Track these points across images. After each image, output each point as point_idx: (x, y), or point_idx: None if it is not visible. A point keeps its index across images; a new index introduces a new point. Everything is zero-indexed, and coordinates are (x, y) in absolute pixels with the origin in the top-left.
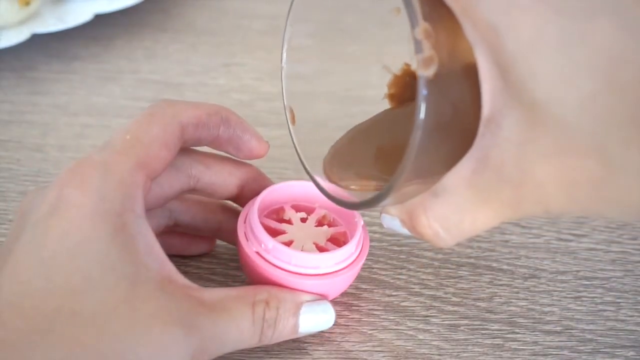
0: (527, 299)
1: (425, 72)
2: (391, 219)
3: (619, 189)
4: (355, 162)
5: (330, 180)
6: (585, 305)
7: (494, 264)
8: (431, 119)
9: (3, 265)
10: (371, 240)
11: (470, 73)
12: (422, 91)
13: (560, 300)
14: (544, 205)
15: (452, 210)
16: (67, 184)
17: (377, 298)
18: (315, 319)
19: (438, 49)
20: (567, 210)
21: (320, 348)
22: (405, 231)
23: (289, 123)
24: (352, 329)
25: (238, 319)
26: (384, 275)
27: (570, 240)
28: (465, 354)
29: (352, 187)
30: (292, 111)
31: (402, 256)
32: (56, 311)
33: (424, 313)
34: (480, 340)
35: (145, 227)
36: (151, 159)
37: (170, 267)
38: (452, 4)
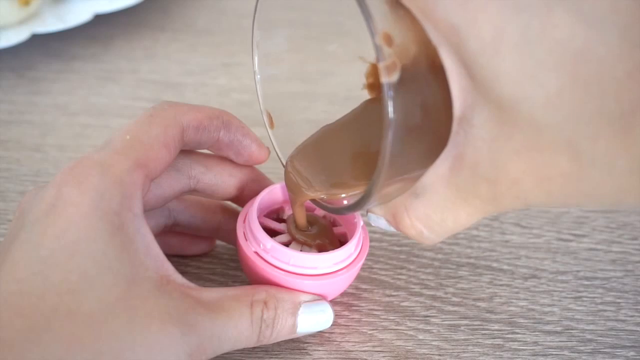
0: (528, 299)
1: (388, 79)
2: (377, 219)
3: (591, 183)
4: (327, 167)
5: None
6: (585, 306)
7: (494, 264)
8: (401, 120)
9: (1, 264)
10: (371, 240)
11: (439, 72)
12: (388, 93)
13: (560, 301)
14: (523, 200)
15: (434, 210)
16: (65, 183)
17: (377, 298)
18: (314, 319)
19: (402, 52)
20: (547, 204)
21: (320, 348)
22: (392, 229)
23: (268, 127)
24: (352, 329)
25: (236, 318)
26: (384, 275)
27: (571, 241)
28: (465, 354)
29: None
30: (269, 115)
31: (402, 256)
32: (53, 310)
33: (424, 313)
34: (480, 340)
35: (143, 226)
36: (150, 159)
37: (168, 267)
38: (411, 6)
